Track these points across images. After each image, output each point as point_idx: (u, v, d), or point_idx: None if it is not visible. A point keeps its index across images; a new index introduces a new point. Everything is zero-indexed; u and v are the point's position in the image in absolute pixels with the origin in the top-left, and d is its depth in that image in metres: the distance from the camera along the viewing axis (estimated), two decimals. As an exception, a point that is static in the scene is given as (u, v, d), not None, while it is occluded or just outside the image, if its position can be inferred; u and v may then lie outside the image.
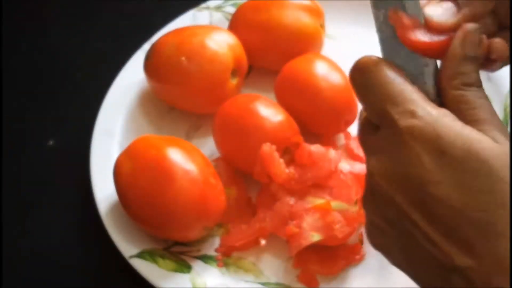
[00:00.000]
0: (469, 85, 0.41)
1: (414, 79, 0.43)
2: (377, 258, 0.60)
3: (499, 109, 0.69)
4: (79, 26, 0.84)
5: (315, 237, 0.60)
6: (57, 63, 0.80)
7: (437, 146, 0.39)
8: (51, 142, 0.74)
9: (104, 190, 0.65)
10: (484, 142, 0.39)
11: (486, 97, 0.42)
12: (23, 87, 0.79)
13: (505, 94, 0.70)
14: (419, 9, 0.44)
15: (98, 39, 0.82)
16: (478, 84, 0.42)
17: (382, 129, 0.41)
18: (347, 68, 0.67)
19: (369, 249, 0.61)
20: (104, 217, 0.64)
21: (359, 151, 0.67)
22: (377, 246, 0.44)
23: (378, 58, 0.43)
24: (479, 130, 0.40)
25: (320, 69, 0.67)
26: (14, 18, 0.84)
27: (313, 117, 0.67)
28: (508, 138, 0.40)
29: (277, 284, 0.61)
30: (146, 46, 0.75)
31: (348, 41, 0.75)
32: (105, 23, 0.84)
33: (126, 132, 0.70)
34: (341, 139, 0.69)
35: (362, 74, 0.43)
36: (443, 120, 0.40)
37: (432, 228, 0.39)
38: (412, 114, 0.40)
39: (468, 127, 0.40)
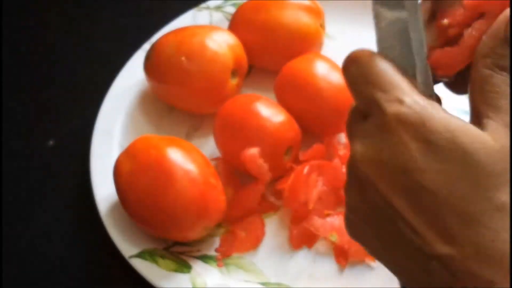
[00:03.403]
0: (501, 68, 0.41)
1: (406, 73, 0.43)
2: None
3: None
4: (79, 26, 0.84)
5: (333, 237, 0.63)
6: (57, 63, 0.80)
7: (423, 134, 0.39)
8: (51, 142, 0.74)
9: (104, 190, 0.65)
10: (471, 134, 0.39)
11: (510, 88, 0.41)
12: (23, 87, 0.79)
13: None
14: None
15: (98, 39, 0.82)
16: (509, 72, 0.41)
17: (370, 116, 0.42)
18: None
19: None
20: (104, 217, 0.64)
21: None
22: (356, 235, 0.44)
23: (372, 51, 0.44)
24: (490, 117, 0.40)
25: (320, 69, 0.67)
26: (14, 18, 0.84)
27: (313, 117, 0.67)
28: None
29: (277, 284, 0.61)
30: (146, 46, 0.75)
31: (348, 41, 0.75)
32: (105, 23, 0.84)
33: (126, 132, 0.70)
34: (341, 139, 0.69)
35: (355, 64, 0.43)
36: (430, 109, 0.40)
37: (414, 215, 0.39)
38: (400, 101, 0.40)
39: (457, 118, 0.40)
